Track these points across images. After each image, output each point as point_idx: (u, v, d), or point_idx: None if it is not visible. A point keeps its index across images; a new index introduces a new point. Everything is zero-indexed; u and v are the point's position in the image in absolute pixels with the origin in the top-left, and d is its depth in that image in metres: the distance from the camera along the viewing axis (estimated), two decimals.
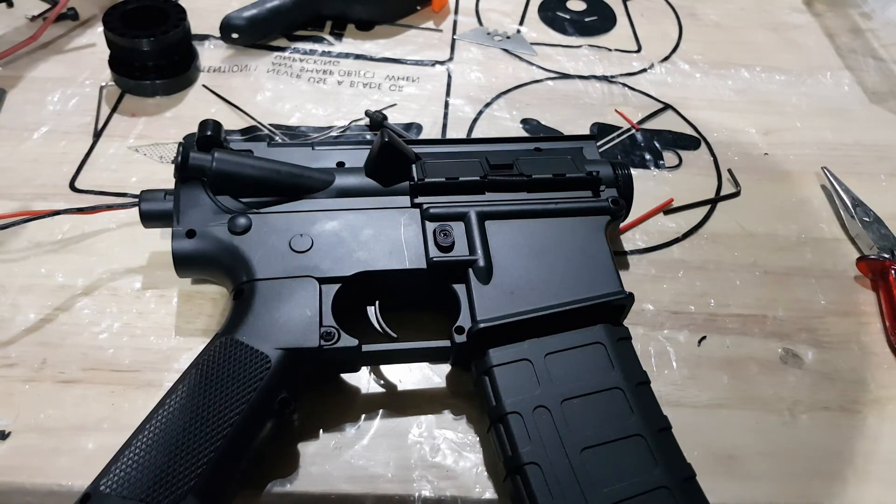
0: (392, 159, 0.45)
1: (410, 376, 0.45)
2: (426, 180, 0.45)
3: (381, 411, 0.43)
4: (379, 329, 0.42)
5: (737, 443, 0.43)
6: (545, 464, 0.36)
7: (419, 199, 0.45)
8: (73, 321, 0.46)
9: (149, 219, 0.45)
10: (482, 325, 0.40)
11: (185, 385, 0.37)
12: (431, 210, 0.44)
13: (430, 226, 0.44)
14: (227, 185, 0.44)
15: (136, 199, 0.45)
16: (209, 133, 0.45)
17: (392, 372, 0.45)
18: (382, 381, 0.45)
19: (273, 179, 0.44)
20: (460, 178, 0.46)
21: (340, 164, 0.47)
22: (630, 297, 0.42)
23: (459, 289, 0.42)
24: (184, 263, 0.43)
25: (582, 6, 0.78)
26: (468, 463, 0.41)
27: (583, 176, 0.47)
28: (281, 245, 0.42)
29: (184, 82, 0.63)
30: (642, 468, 0.36)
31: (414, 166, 0.46)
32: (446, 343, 0.41)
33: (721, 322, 0.49)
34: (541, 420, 0.38)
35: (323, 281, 0.41)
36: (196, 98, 0.62)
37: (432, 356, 0.43)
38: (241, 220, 0.43)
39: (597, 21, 0.76)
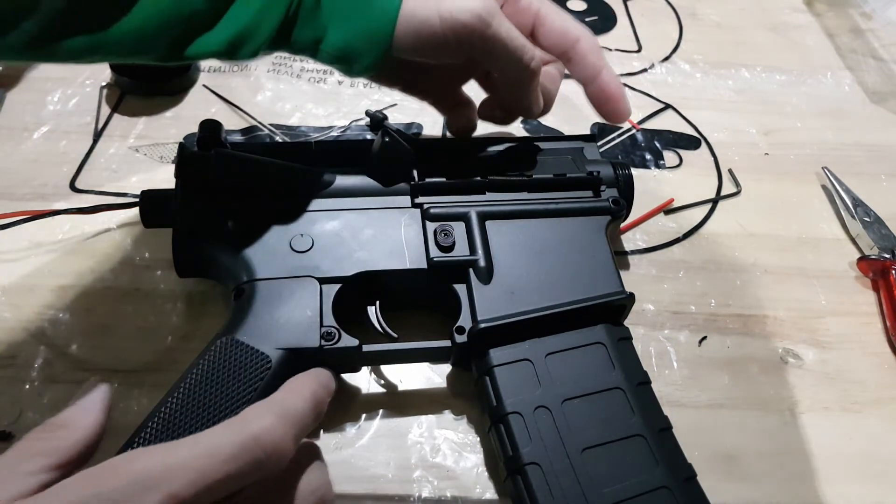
0: (392, 159, 0.45)
1: (411, 376, 0.45)
2: (426, 180, 0.45)
3: (381, 411, 0.43)
4: (379, 329, 0.42)
5: (737, 443, 0.43)
6: (546, 464, 0.36)
7: (419, 199, 0.45)
8: (74, 321, 0.46)
9: (149, 219, 0.45)
10: (483, 326, 0.40)
11: (185, 385, 0.36)
12: (432, 210, 0.44)
13: (431, 226, 0.44)
14: (227, 185, 0.44)
15: (137, 200, 0.45)
16: (209, 133, 0.45)
17: (392, 372, 0.45)
18: (383, 382, 0.45)
19: (273, 179, 0.44)
20: (461, 179, 0.45)
21: (341, 165, 0.47)
22: (631, 298, 0.42)
23: (460, 289, 0.42)
24: (184, 264, 0.43)
25: (582, 6, 0.78)
26: (468, 463, 0.41)
27: (583, 176, 0.47)
28: (281, 245, 0.42)
29: (184, 82, 0.63)
30: (643, 468, 0.36)
31: (414, 166, 0.46)
32: (447, 343, 0.41)
33: (722, 322, 0.49)
34: (541, 420, 0.38)
35: (323, 281, 0.41)
36: (196, 98, 0.62)
37: (433, 356, 0.43)
38: (243, 222, 0.43)
39: (597, 21, 0.76)
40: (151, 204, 0.44)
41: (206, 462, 0.27)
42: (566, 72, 0.47)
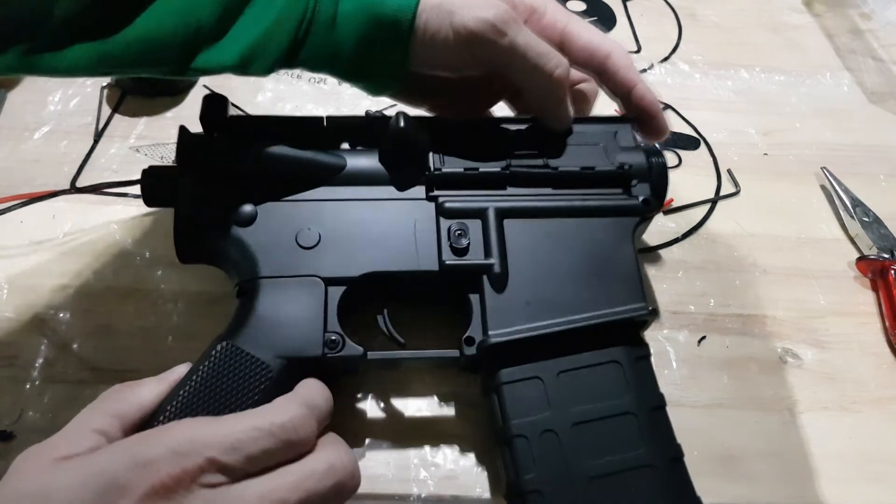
0: (407, 146, 0.42)
1: (413, 376, 0.45)
2: (443, 170, 0.42)
3: (382, 411, 0.43)
4: (387, 334, 0.41)
5: (737, 443, 0.43)
6: (548, 493, 0.35)
7: (435, 192, 0.42)
8: (74, 321, 0.46)
9: (152, 198, 0.42)
10: (493, 341, 0.38)
11: (184, 393, 0.35)
12: (447, 204, 0.41)
13: (445, 223, 0.41)
14: (230, 171, 0.41)
15: (139, 179, 0.42)
16: (213, 108, 0.42)
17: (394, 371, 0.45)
18: (385, 381, 0.45)
19: (280, 165, 0.41)
20: (480, 170, 0.42)
21: (353, 145, 0.44)
22: (653, 313, 0.40)
23: (472, 296, 0.40)
24: (186, 251, 0.41)
25: (582, 6, 0.78)
26: (468, 463, 0.41)
27: (612, 170, 0.43)
28: (287, 239, 0.40)
29: (184, 82, 0.63)
30: (650, 502, 0.35)
31: (431, 154, 0.42)
32: (455, 353, 0.39)
33: (721, 322, 0.49)
34: (547, 445, 0.36)
35: (329, 282, 0.39)
36: (197, 98, 0.62)
37: (439, 365, 0.43)
38: (246, 210, 0.41)
39: (597, 21, 0.76)
40: (153, 182, 0.42)
41: (247, 435, 0.30)
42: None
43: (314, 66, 0.40)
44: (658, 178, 0.44)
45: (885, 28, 0.78)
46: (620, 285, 0.40)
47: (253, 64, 0.38)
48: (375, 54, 0.40)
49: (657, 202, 0.43)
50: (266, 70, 0.39)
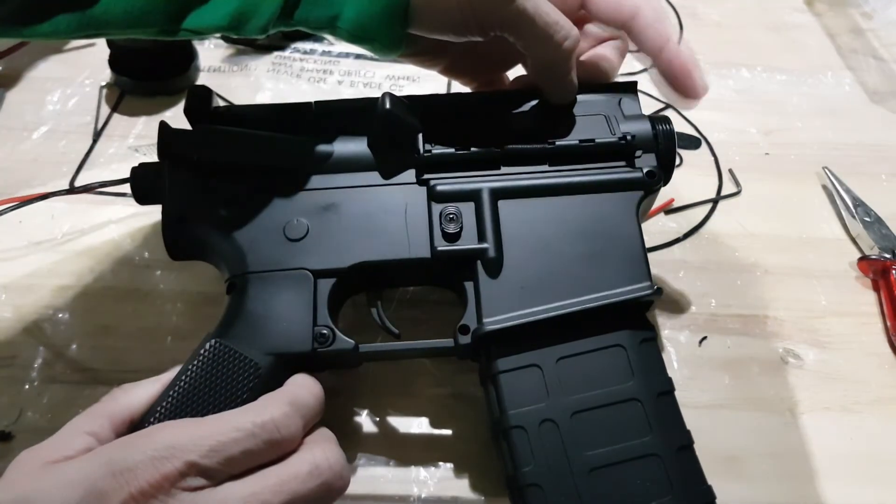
0: (395, 129, 0.40)
1: (414, 373, 0.45)
2: (434, 152, 0.40)
3: (381, 410, 0.43)
4: (381, 325, 0.40)
5: (738, 444, 0.43)
6: (548, 486, 0.34)
7: (426, 176, 0.41)
8: (73, 321, 0.46)
9: (142, 196, 0.41)
10: (488, 328, 0.37)
11: (174, 394, 0.35)
12: (439, 187, 0.40)
13: (437, 208, 0.40)
14: (215, 163, 0.40)
15: (128, 178, 0.41)
16: (198, 101, 0.41)
17: (392, 369, 0.45)
18: (383, 379, 0.44)
19: (266, 155, 0.41)
20: (472, 149, 0.40)
21: (342, 131, 0.42)
22: (658, 293, 0.38)
23: (466, 283, 0.39)
24: (175, 248, 0.41)
25: None
26: (469, 462, 0.41)
27: (614, 142, 0.41)
28: (274, 232, 0.39)
29: (184, 82, 0.62)
30: (655, 493, 0.34)
31: (420, 136, 0.41)
32: (449, 343, 0.38)
33: (722, 322, 0.49)
34: (547, 436, 0.35)
35: (318, 274, 0.38)
36: None
37: (435, 355, 0.42)
38: (233, 204, 0.40)
39: None
40: (142, 180, 0.41)
41: (227, 437, 0.30)
42: (630, 49, 0.44)
43: (313, 26, 0.38)
44: (665, 147, 0.42)
45: (887, 27, 0.78)
46: (623, 265, 0.39)
47: (246, 24, 0.36)
48: (375, 15, 0.37)
49: (663, 173, 0.41)
50: (261, 30, 0.36)
